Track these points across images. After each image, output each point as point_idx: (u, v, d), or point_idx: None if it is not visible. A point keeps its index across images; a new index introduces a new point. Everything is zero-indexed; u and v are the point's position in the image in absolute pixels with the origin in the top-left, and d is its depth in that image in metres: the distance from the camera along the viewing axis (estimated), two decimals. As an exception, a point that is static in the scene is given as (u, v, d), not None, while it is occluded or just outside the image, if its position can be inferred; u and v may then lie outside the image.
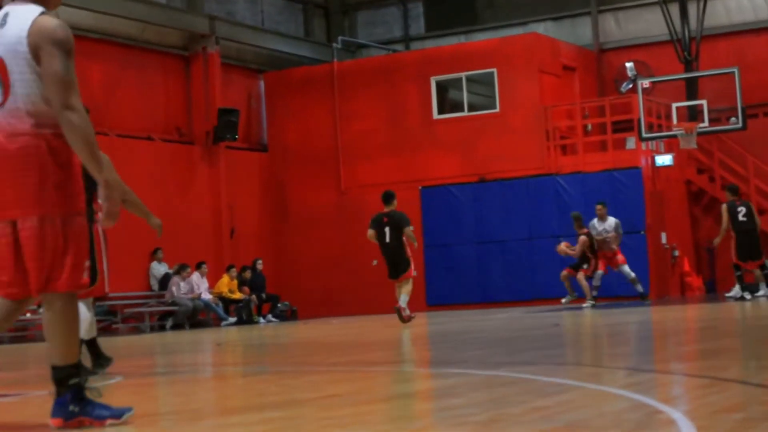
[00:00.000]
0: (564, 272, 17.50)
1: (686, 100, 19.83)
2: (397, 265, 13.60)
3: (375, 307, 20.63)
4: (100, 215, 6.85)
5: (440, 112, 21.57)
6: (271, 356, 9.47)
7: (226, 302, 19.78)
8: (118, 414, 4.04)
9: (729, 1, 22.31)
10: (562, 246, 17.59)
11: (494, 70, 20.94)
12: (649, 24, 22.50)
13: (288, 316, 21.00)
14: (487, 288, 20.70)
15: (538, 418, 3.75)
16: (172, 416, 4.51)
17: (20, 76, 3.97)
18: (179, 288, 18.94)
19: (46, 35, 3.94)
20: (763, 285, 16.37)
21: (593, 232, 17.25)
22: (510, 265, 20.52)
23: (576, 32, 23.38)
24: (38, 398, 5.40)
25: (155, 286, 19.58)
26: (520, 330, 10.86)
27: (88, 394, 4.02)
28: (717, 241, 16.33)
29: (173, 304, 18.93)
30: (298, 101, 22.54)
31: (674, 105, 19.38)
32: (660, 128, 20.07)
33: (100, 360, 7.09)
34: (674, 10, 20.53)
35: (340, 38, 24.17)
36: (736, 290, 16.09)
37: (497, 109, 20.98)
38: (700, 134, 19.11)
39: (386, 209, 13.69)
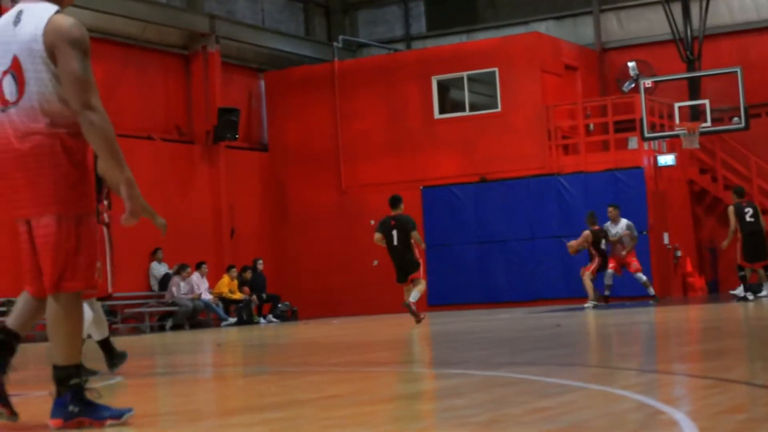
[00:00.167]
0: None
1: (689, 100, 19.81)
2: (405, 268, 13.69)
3: (376, 308, 20.62)
4: (105, 216, 6.88)
5: (441, 111, 21.55)
6: (271, 357, 9.45)
7: (227, 302, 19.77)
8: (118, 414, 4.03)
9: (732, 0, 22.28)
10: (571, 243, 17.47)
11: (496, 69, 20.92)
12: (652, 23, 22.47)
13: (288, 316, 20.99)
14: (488, 288, 20.67)
15: (539, 419, 3.73)
16: (172, 417, 4.49)
17: (35, 74, 3.95)
18: (179, 288, 18.93)
19: (62, 34, 3.92)
20: (766, 285, 16.34)
21: (610, 235, 17.12)
22: (511, 265, 20.50)
23: (578, 31, 23.36)
24: (38, 399, 5.41)
25: (155, 286, 19.57)
26: (521, 330, 10.83)
27: (88, 395, 4.00)
28: (725, 244, 16.23)
29: (173, 304, 18.91)
30: (298, 100, 22.52)
31: (677, 105, 19.36)
32: (662, 128, 20.06)
33: (114, 359, 7.08)
34: (677, 9, 20.51)
35: (340, 37, 24.15)
36: (740, 288, 16.05)
37: (499, 109, 20.96)
38: (702, 134, 19.08)
39: (393, 213, 13.79)
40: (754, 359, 6.17)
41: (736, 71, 18.65)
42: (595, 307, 16.54)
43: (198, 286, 19.20)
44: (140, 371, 7.26)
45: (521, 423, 3.66)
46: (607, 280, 17.11)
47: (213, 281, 19.93)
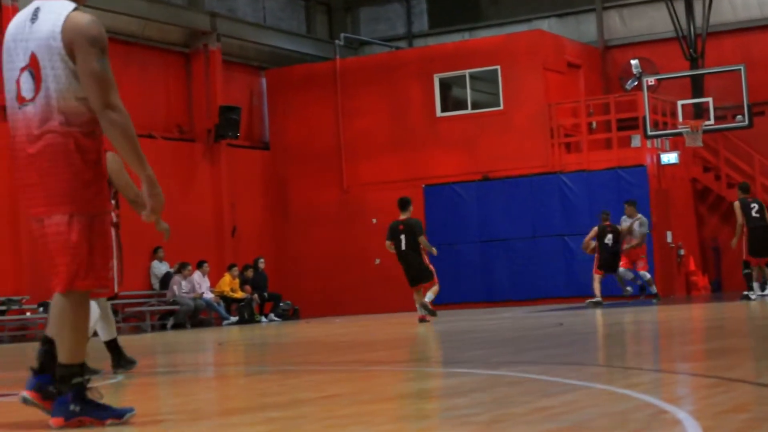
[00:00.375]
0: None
1: (692, 98, 19.77)
2: (415, 276, 13.75)
3: (378, 306, 20.60)
4: (113, 216, 6.88)
5: (443, 109, 21.52)
6: (272, 356, 9.44)
7: (228, 301, 19.75)
8: (119, 414, 4.01)
9: (734, -2, 22.23)
10: (585, 240, 17.46)
11: (498, 67, 20.88)
12: (655, 21, 22.43)
13: (290, 315, 20.96)
14: (491, 287, 20.64)
15: (542, 418, 3.71)
16: (173, 416, 4.47)
17: (53, 71, 3.95)
18: (180, 287, 18.91)
19: (80, 32, 3.93)
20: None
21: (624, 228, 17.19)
22: (514, 264, 20.47)
23: (581, 29, 23.32)
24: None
25: (156, 285, 19.56)
26: (523, 329, 10.82)
27: (89, 395, 3.98)
28: (734, 242, 16.13)
29: (174, 303, 18.90)
30: (300, 99, 22.50)
31: (680, 102, 19.32)
32: (665, 126, 20.02)
33: (121, 362, 7.06)
34: (679, 6, 20.46)
35: (342, 35, 24.11)
36: (757, 288, 15.97)
37: (501, 107, 20.92)
38: (705, 132, 19.04)
39: (402, 216, 13.87)
40: (757, 358, 6.15)
41: (740, 69, 18.62)
42: (595, 305, 16.49)
43: (199, 284, 19.18)
44: (141, 370, 7.25)
45: (523, 422, 3.64)
46: (626, 276, 17.09)
47: (214, 280, 19.92)
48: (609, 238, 17.05)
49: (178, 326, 18.59)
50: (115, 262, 6.97)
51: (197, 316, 19.14)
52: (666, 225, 20.19)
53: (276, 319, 20.12)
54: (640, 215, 17.29)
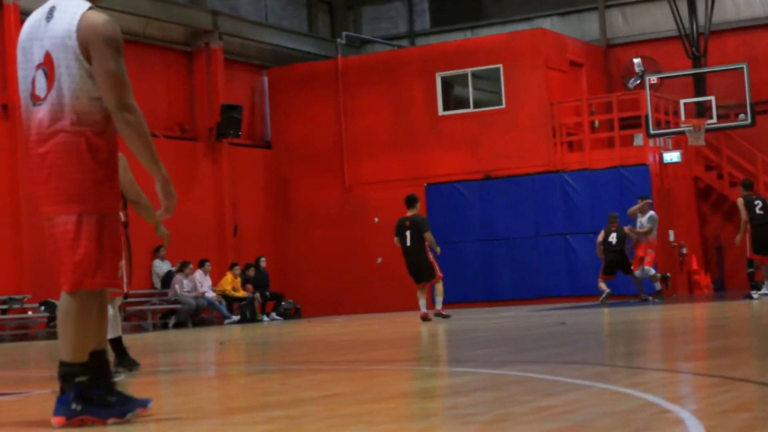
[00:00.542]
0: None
1: (694, 96, 19.75)
2: (418, 271, 13.84)
3: (379, 305, 20.59)
4: (121, 215, 6.87)
5: (445, 108, 21.50)
6: (274, 355, 9.43)
7: (230, 300, 19.75)
8: (121, 413, 4.00)
9: (737, -4, 22.21)
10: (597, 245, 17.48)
11: (500, 66, 20.87)
12: (657, 19, 22.40)
13: (292, 314, 20.96)
14: (493, 286, 20.63)
15: (544, 418, 3.70)
16: (174, 415, 4.46)
17: (67, 70, 3.95)
18: (182, 286, 18.91)
19: (96, 31, 3.92)
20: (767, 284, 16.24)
21: (637, 226, 17.15)
22: (516, 263, 20.45)
23: (583, 28, 23.30)
24: (40, 397, 5.38)
25: (157, 284, 19.55)
26: (526, 328, 10.81)
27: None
28: (739, 238, 16.11)
29: (176, 302, 18.90)
30: (301, 97, 22.49)
31: (682, 101, 19.30)
32: (668, 125, 20.00)
33: (123, 362, 7.06)
34: (682, 5, 20.44)
35: (344, 34, 24.10)
36: (765, 288, 15.92)
37: (503, 106, 20.91)
38: (708, 131, 19.03)
39: (409, 213, 13.98)
40: (760, 357, 6.14)
41: (742, 67, 18.59)
42: (606, 298, 16.55)
43: (201, 283, 19.18)
44: (143, 369, 7.24)
45: (526, 421, 3.63)
46: (642, 274, 17.00)
47: (216, 279, 19.91)
48: (613, 237, 17.04)
49: (179, 325, 18.59)
50: (124, 261, 6.97)
51: (199, 315, 19.14)
52: (668, 224, 20.16)
53: (278, 318, 20.11)
54: (651, 212, 17.26)
